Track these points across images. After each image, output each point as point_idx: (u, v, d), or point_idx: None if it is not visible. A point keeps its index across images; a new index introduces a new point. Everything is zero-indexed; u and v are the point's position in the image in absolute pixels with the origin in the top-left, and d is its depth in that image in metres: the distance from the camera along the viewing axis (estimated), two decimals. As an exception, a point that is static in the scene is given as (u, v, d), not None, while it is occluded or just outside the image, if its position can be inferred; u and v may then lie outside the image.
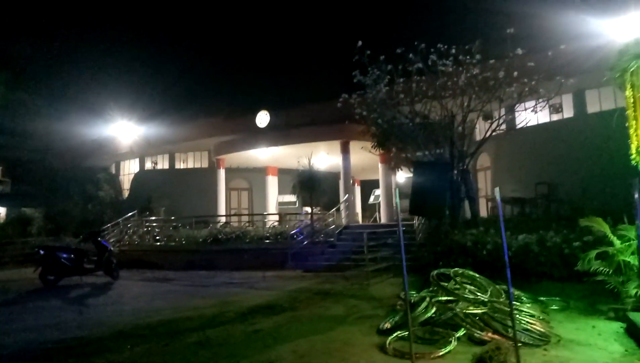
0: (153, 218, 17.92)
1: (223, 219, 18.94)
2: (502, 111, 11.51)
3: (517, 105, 11.25)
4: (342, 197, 17.92)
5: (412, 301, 6.80)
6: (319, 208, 21.03)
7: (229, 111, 23.44)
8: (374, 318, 6.90)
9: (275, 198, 23.81)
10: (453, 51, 11.09)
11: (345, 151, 18.20)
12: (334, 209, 14.87)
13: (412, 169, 11.17)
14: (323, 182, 15.36)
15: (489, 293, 6.23)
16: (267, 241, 13.96)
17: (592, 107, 15.48)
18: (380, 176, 20.87)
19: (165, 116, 26.60)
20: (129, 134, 25.48)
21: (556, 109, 15.00)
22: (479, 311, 5.73)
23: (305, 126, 18.57)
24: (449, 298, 6.23)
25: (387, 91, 11.66)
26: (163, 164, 28.11)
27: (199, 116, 25.52)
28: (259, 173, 25.77)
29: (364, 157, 20.15)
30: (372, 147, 13.82)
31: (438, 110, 11.74)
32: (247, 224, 15.95)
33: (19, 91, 35.19)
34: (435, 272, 6.62)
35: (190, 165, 27.73)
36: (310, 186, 14.65)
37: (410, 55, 10.84)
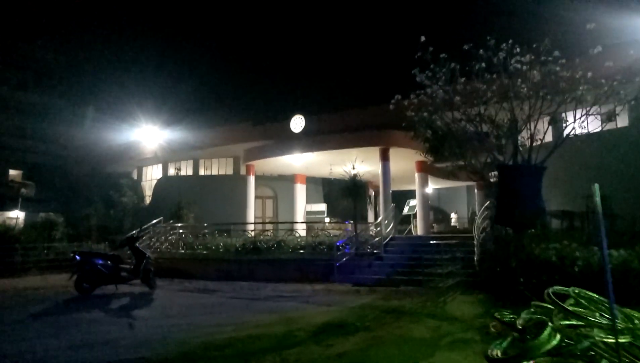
0: (179, 224, 17.11)
1: (252, 227, 18.13)
2: (575, 115, 10.54)
3: (592, 108, 10.31)
4: (382, 207, 17.02)
5: (520, 325, 5.88)
6: (348, 220, 20.18)
7: (260, 116, 22.81)
8: (470, 343, 5.99)
9: (303, 206, 23.00)
10: (518, 49, 10.24)
11: (384, 158, 17.34)
12: (378, 219, 13.92)
13: (494, 175, 10.27)
14: (363, 191, 14.47)
15: (619, 317, 5.30)
16: (310, 251, 13.06)
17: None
18: (416, 185, 19.98)
19: (191, 121, 26.08)
20: (153, 139, 24.97)
21: (609, 117, 13.86)
22: (623, 340, 4.79)
23: (342, 132, 17.76)
24: (571, 322, 5.29)
25: (448, 91, 10.78)
26: (187, 170, 27.51)
27: (228, 121, 24.94)
28: (284, 181, 25.02)
29: (398, 166, 19.31)
30: (424, 153, 12.89)
31: (502, 113, 10.85)
32: (285, 233, 15.05)
33: (41, 95, 35.08)
34: (550, 290, 5.67)
35: (214, 172, 27.09)
36: (354, 194, 13.77)
37: (480, 51, 9.96)
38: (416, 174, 19.90)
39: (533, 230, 9.07)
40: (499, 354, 5.37)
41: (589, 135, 11.26)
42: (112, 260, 10.67)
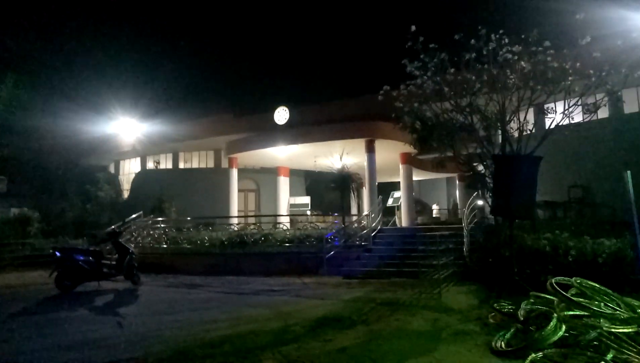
0: (161, 219, 16.67)
1: (237, 220, 17.82)
2: (564, 105, 10.57)
3: (580, 98, 10.36)
4: (367, 199, 16.93)
5: (522, 315, 5.82)
6: (333, 213, 20.05)
7: (242, 107, 22.37)
8: (472, 334, 5.91)
9: (286, 199, 22.74)
10: (507, 40, 10.22)
11: (370, 150, 17.21)
12: (365, 211, 13.79)
13: (484, 166, 10.13)
14: (350, 184, 14.31)
15: (622, 307, 5.28)
16: (297, 244, 12.86)
17: (631, 107, 14.79)
18: (401, 177, 19.99)
19: (171, 113, 25.40)
20: (131, 131, 24.27)
21: (597, 107, 13.99)
22: (629, 329, 4.76)
23: (327, 124, 17.56)
24: (576, 313, 5.24)
25: (438, 82, 10.69)
26: (166, 163, 26.91)
27: (209, 113, 24.39)
28: (267, 174, 24.71)
29: (382, 158, 19.23)
30: (412, 144, 12.80)
31: (492, 104, 10.83)
32: (272, 226, 14.80)
33: (13, 87, 33.70)
34: (553, 280, 5.62)
35: (194, 165, 26.56)
36: (341, 186, 13.60)
37: (472, 40, 9.88)
38: (400, 166, 19.88)
39: (529, 221, 9.09)
40: (504, 345, 5.32)
41: (573, 125, 11.36)
42: (93, 255, 10.26)
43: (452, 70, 10.85)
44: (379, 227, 13.89)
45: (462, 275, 10.17)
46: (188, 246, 13.96)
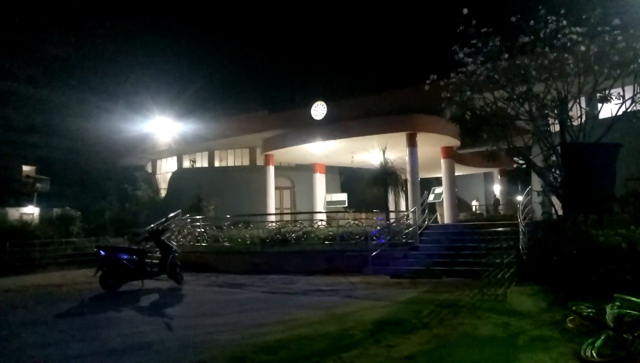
0: (200, 217, 16.52)
1: (275, 218, 17.53)
2: (634, 89, 9.71)
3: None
4: (410, 195, 16.29)
5: (610, 321, 5.20)
6: (373, 210, 19.46)
7: (277, 104, 22.16)
8: (552, 341, 5.32)
9: (322, 196, 22.33)
10: (564, 22, 9.46)
11: (412, 144, 16.55)
12: (411, 208, 13.19)
13: (553, 155, 9.39)
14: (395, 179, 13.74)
15: None
16: (339, 242, 12.42)
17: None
18: (443, 172, 19.19)
19: (206, 112, 25.46)
20: (167, 131, 24.36)
21: None
22: None
23: (365, 118, 17.02)
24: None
25: (492, 68, 10.02)
26: (201, 162, 26.97)
27: (243, 111, 24.29)
28: (302, 171, 24.38)
29: (422, 152, 18.52)
30: (458, 136, 12.14)
31: (551, 91, 10.08)
32: (313, 223, 14.40)
33: (53, 89, 34.63)
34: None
35: (230, 163, 26.51)
36: (385, 182, 13.06)
37: (532, 22, 9.18)
38: (442, 161, 19.11)
39: (595, 216, 8.35)
40: (594, 354, 4.71)
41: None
42: (137, 254, 10.10)
43: (506, 56, 10.18)
44: (425, 224, 13.28)
45: (520, 274, 9.48)
46: (228, 245, 13.73)
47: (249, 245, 13.20)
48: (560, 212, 10.25)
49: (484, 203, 31.71)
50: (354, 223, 13.33)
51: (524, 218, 11.23)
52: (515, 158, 11.01)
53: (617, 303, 5.57)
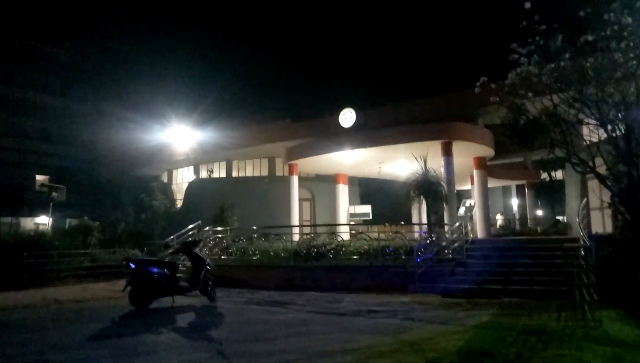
0: (226, 229, 15.70)
1: (306, 230, 16.72)
2: None
3: None
4: (446, 208, 15.38)
5: None
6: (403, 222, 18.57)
7: (300, 112, 21.47)
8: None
9: (345, 208, 21.51)
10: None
11: (447, 153, 15.71)
12: (460, 222, 12.25)
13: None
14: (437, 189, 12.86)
15: None
16: (381, 257, 11.54)
17: None
18: (475, 184, 18.31)
19: (224, 120, 24.82)
20: (184, 140, 23.70)
21: None
22: None
23: (397, 126, 16.24)
24: None
25: (555, 69, 9.19)
26: (219, 172, 26.26)
27: (264, 119, 23.63)
28: (323, 182, 23.62)
29: (454, 163, 17.68)
30: (512, 143, 11.28)
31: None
32: (354, 236, 13.56)
33: (68, 98, 34.24)
34: None
35: (248, 173, 25.79)
36: (428, 193, 12.19)
37: (605, 15, 8.34)
38: (475, 172, 18.26)
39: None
40: None
41: None
42: (169, 268, 9.30)
43: (568, 55, 9.36)
44: (470, 238, 12.38)
45: (592, 295, 8.55)
46: (258, 258, 12.90)
47: (285, 257, 12.34)
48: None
49: (508, 217, 30.83)
50: (398, 237, 12.44)
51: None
52: (576, 167, 10.10)
53: None
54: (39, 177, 31.15)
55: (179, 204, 26.11)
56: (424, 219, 20.89)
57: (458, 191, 26.14)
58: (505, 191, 33.41)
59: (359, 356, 5.26)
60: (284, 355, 5.34)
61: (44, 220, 26.45)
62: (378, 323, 7.32)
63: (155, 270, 8.97)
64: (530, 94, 9.51)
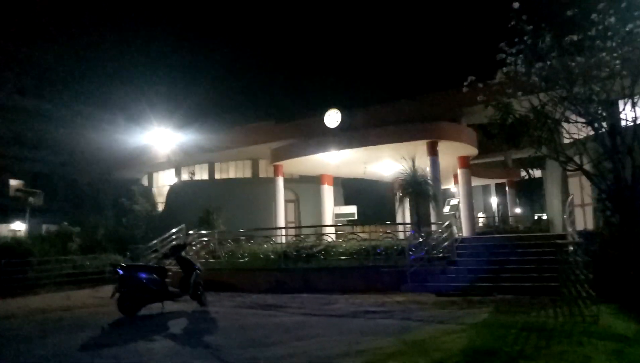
0: (210, 231, 15.46)
1: (293, 231, 16.56)
2: None
3: None
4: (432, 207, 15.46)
5: None
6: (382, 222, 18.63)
7: (284, 113, 21.32)
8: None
9: (331, 209, 21.44)
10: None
11: (433, 153, 15.82)
12: (449, 221, 12.29)
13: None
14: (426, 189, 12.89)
15: None
16: (372, 257, 11.51)
17: None
18: (460, 183, 18.48)
19: (207, 122, 24.44)
20: (165, 142, 23.21)
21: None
22: None
23: (383, 126, 16.24)
24: None
25: (543, 68, 9.33)
26: (201, 175, 25.86)
27: (247, 121, 23.37)
28: (307, 183, 23.50)
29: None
30: (500, 141, 11.42)
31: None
32: (343, 237, 13.48)
33: (43, 99, 33.23)
34: None
35: (231, 175, 25.48)
36: (417, 192, 12.21)
37: (594, 15, 8.49)
38: (459, 171, 18.42)
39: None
40: None
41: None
42: (157, 273, 9.04)
43: (555, 54, 9.51)
44: (459, 236, 12.45)
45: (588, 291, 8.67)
46: (247, 261, 12.71)
47: (272, 260, 12.18)
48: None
49: (489, 215, 31.28)
50: (388, 237, 12.42)
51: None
52: (564, 165, 10.26)
53: None
54: (13, 182, 30.17)
55: (160, 207, 25.62)
56: (408, 219, 21.08)
57: (442, 190, 26.45)
58: (485, 189, 33.92)
59: (367, 358, 5.17)
60: (292, 360, 5.22)
61: (19, 226, 25.61)
62: (377, 324, 7.25)
63: (143, 276, 8.71)
64: (519, 93, 9.63)
